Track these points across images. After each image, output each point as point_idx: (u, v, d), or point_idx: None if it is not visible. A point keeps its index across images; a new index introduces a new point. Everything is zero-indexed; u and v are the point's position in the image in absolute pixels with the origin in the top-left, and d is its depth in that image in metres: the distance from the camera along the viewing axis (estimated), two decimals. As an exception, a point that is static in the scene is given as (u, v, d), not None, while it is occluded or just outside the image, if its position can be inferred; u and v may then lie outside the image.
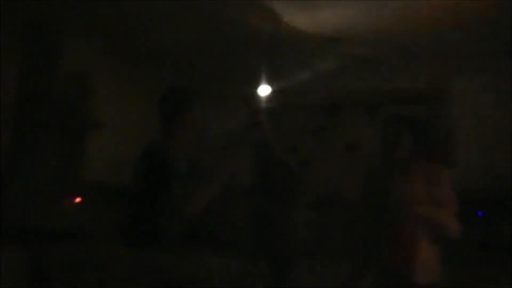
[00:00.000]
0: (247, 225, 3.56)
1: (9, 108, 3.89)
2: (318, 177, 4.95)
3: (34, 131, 3.96)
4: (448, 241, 2.93)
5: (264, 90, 4.71)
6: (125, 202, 2.57)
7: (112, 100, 4.64)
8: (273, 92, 4.73)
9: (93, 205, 4.22)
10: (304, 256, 4.43)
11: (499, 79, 4.13)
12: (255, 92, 4.70)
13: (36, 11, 3.94)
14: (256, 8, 3.75)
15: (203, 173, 2.59)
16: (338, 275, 4.10)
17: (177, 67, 4.79)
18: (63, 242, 3.58)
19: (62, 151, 4.25)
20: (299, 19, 3.88)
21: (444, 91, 4.42)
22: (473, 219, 4.08)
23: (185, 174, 2.48)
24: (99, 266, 3.38)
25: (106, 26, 4.18)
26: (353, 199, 4.54)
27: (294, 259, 3.54)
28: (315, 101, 4.99)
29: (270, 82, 4.67)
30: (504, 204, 4.03)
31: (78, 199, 4.20)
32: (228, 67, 4.87)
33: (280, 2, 3.66)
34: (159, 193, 2.43)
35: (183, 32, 4.23)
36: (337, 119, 4.98)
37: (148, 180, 2.46)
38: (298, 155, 5.04)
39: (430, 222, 2.94)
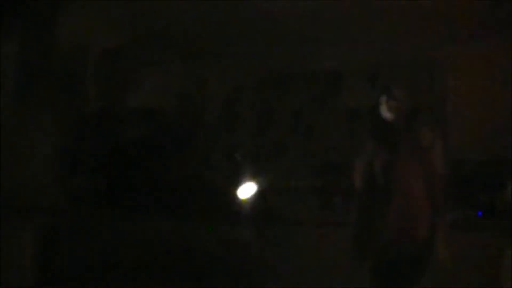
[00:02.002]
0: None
1: (7, 85, 3.91)
2: (322, 144, 4.96)
3: (32, 108, 3.98)
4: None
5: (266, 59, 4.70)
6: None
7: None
8: (276, 60, 4.70)
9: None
10: (308, 223, 4.50)
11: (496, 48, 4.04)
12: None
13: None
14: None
15: None
16: (342, 241, 4.17)
17: (185, 47, 4.74)
18: (65, 214, 3.63)
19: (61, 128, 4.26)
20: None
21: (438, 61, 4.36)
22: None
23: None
24: (100, 234, 3.41)
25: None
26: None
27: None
28: (317, 68, 4.96)
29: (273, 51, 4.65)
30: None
31: None
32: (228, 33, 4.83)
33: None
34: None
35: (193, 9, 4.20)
36: (339, 86, 4.95)
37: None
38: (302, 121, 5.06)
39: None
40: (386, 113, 3.18)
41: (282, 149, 5.09)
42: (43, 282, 3.11)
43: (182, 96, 4.55)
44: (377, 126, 3.31)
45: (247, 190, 4.25)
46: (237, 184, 4.67)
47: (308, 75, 5.00)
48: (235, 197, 4.60)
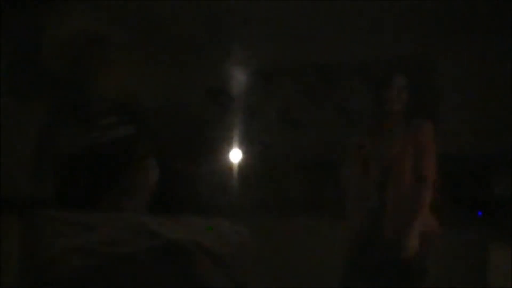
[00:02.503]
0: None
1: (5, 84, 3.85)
2: (311, 139, 4.97)
3: (20, 103, 3.93)
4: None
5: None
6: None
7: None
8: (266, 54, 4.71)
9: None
10: (300, 215, 4.54)
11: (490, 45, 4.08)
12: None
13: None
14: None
15: None
16: (332, 233, 4.21)
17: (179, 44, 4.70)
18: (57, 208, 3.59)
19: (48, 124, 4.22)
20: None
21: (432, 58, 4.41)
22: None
23: None
24: (90, 229, 3.34)
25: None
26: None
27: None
28: (307, 62, 4.97)
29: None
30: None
31: None
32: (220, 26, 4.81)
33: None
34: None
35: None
36: (329, 80, 4.97)
37: None
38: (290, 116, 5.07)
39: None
40: (384, 107, 3.20)
41: (273, 143, 5.10)
42: (43, 282, 3.07)
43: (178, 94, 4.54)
44: (375, 120, 3.33)
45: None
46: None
47: (301, 70, 5.00)
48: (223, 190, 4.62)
